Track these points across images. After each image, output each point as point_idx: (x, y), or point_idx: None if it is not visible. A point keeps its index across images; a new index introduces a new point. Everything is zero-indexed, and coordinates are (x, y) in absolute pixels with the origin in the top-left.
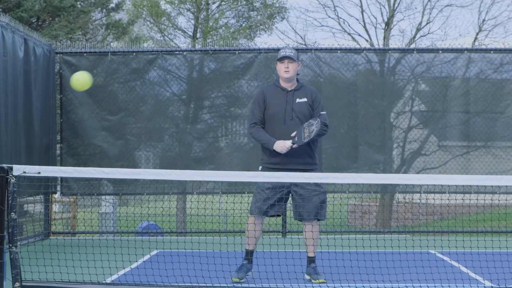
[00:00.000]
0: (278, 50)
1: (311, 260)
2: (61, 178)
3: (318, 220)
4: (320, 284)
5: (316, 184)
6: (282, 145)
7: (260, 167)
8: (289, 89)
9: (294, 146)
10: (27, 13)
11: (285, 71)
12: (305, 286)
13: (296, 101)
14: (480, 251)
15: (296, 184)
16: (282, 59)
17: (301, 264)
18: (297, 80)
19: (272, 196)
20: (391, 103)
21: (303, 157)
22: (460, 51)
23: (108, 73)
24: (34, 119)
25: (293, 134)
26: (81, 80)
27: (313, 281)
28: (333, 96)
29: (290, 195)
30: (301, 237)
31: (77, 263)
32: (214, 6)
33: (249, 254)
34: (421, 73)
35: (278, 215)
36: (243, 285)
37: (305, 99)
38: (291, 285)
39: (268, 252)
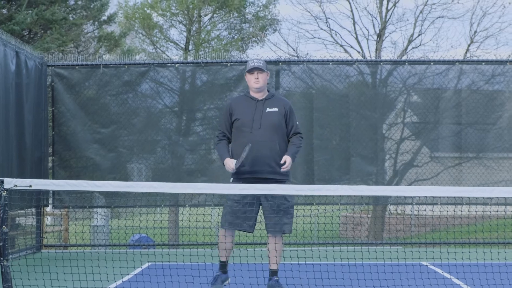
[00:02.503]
0: (270, 62)
1: (273, 272)
2: (53, 191)
3: (283, 233)
4: None
5: (284, 197)
6: (228, 165)
7: (232, 179)
8: (260, 99)
9: (235, 165)
10: (19, 26)
11: (255, 81)
12: None
13: (267, 110)
14: (472, 262)
15: (265, 196)
16: (251, 70)
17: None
18: (268, 90)
19: (242, 209)
20: (383, 114)
21: (272, 166)
22: (451, 62)
23: (100, 86)
24: (26, 132)
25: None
26: None
27: None
28: (325, 108)
29: (260, 206)
30: (294, 249)
31: (69, 276)
32: (206, 18)
33: (223, 266)
34: (413, 85)
35: (249, 232)
36: None
37: (276, 109)
38: None
39: (260, 265)
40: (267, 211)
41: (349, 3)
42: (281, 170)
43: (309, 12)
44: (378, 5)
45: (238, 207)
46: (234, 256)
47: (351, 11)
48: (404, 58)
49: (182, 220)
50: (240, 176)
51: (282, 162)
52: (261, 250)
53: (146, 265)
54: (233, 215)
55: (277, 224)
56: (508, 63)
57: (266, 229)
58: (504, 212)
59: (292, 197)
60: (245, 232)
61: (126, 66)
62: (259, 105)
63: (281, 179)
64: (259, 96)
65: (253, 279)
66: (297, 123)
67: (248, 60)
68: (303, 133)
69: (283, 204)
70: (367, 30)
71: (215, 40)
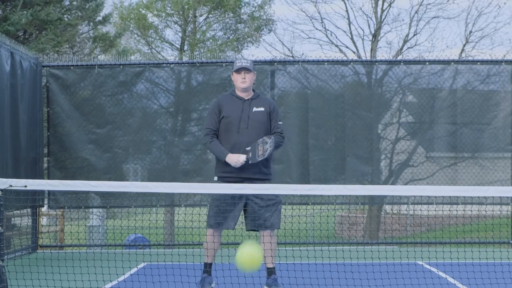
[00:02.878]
0: (265, 62)
1: (271, 271)
2: (49, 191)
3: (275, 228)
4: None
5: (264, 196)
6: (236, 160)
7: (216, 178)
8: (246, 98)
9: (249, 163)
10: (14, 26)
11: (242, 81)
12: None
13: (253, 110)
14: (467, 262)
15: (250, 196)
16: (238, 70)
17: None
18: (253, 90)
19: (229, 208)
20: (378, 114)
21: (258, 166)
22: (447, 62)
23: (95, 86)
24: (21, 133)
25: (247, 149)
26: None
27: None
28: (321, 108)
29: (244, 206)
30: (289, 249)
31: (64, 277)
32: (201, 19)
33: (208, 267)
34: (408, 85)
35: (232, 229)
36: None
37: (262, 108)
38: None
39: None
40: (256, 209)
41: (344, 3)
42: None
43: (304, 12)
44: (373, 5)
45: (225, 206)
46: (230, 256)
47: (346, 11)
48: (399, 58)
49: (177, 220)
50: (225, 175)
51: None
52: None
53: (142, 265)
54: (221, 214)
55: (267, 219)
56: (503, 63)
57: (253, 228)
58: (500, 211)
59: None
60: (228, 231)
61: (121, 67)
62: (245, 104)
63: (265, 178)
64: (245, 95)
65: (248, 279)
66: (280, 123)
67: (235, 59)
68: (298, 132)
69: (272, 200)
70: (363, 30)
71: (210, 40)
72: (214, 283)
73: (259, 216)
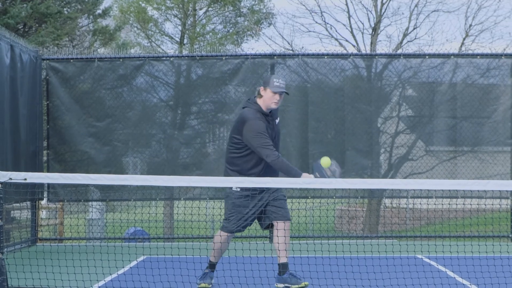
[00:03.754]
0: (265, 56)
1: (285, 266)
2: (48, 184)
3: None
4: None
5: (280, 190)
6: (308, 176)
7: (238, 188)
8: (268, 113)
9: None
10: (14, 19)
11: (275, 104)
12: None
13: (276, 123)
14: (467, 255)
15: (271, 192)
16: (278, 92)
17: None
18: None
19: (253, 214)
20: (378, 108)
21: (277, 173)
22: (447, 56)
23: (95, 79)
24: (21, 126)
25: (317, 175)
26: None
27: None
28: (320, 102)
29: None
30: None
31: (64, 270)
32: (201, 12)
33: (212, 266)
34: (408, 78)
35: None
36: None
37: (278, 120)
38: None
39: (255, 257)
40: (280, 201)
41: None
42: None
43: (304, 5)
44: None
45: (248, 214)
46: (251, 249)
47: (346, 4)
48: (399, 51)
49: (177, 214)
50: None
51: None
52: (256, 243)
53: (141, 258)
54: (242, 221)
55: (284, 212)
56: (503, 57)
57: (277, 218)
58: (499, 205)
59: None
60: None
61: (121, 60)
62: (269, 119)
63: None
64: (267, 110)
65: (270, 272)
66: None
67: (272, 77)
68: (297, 126)
69: (284, 196)
70: (362, 23)
71: (210, 33)
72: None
73: (279, 208)
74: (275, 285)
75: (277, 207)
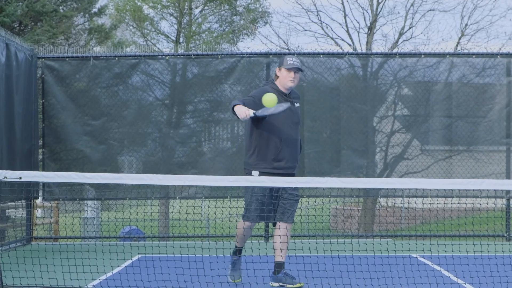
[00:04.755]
0: (261, 54)
1: (280, 265)
2: (43, 183)
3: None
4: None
5: (296, 189)
6: (242, 111)
7: (257, 172)
8: (288, 94)
9: (253, 115)
10: (9, 18)
11: (291, 81)
12: None
13: (295, 106)
14: (462, 254)
15: (284, 189)
16: (291, 69)
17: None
18: None
19: (269, 202)
20: (374, 107)
21: (298, 160)
22: (442, 55)
23: (90, 78)
24: (16, 124)
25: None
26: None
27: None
28: (316, 101)
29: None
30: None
31: (59, 268)
32: (197, 11)
33: (238, 251)
34: (403, 78)
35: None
36: None
37: (298, 105)
38: None
39: (250, 257)
40: (288, 202)
41: None
42: None
43: (300, 4)
44: None
45: (267, 200)
46: (246, 248)
47: (342, 3)
48: (395, 51)
49: (172, 212)
50: (273, 171)
51: None
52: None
53: (136, 257)
54: (262, 208)
55: (292, 214)
56: (498, 56)
57: (279, 218)
58: (494, 204)
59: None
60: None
61: (116, 58)
62: (289, 101)
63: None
64: (286, 91)
65: (265, 271)
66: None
67: (286, 56)
68: None
69: (297, 196)
70: (358, 23)
71: (206, 32)
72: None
73: (287, 209)
74: (270, 284)
75: (285, 208)
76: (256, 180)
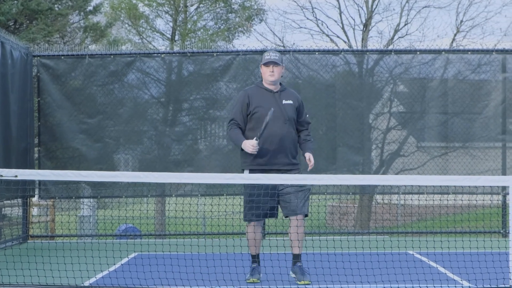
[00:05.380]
0: (256, 52)
1: (297, 257)
2: (39, 181)
3: (306, 214)
4: (306, 286)
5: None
6: (248, 145)
7: (247, 171)
8: (275, 91)
9: (257, 141)
10: (4, 16)
11: (270, 75)
12: (284, 287)
13: (283, 102)
14: (458, 251)
15: (281, 185)
16: (267, 63)
17: (281, 265)
18: (280, 83)
19: (263, 198)
20: (369, 104)
21: (288, 157)
22: (438, 52)
23: (86, 76)
24: (12, 123)
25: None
26: None
27: (298, 282)
28: (312, 98)
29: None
30: (280, 239)
31: (55, 267)
32: (192, 9)
33: (255, 257)
34: (399, 74)
35: (275, 217)
36: (221, 286)
37: (291, 101)
38: (269, 287)
39: (247, 254)
40: (288, 195)
41: None
42: (309, 169)
43: (295, 1)
44: None
45: (259, 197)
46: (242, 246)
47: (337, 0)
48: (390, 47)
49: (168, 210)
50: (256, 167)
51: (308, 159)
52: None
53: (133, 255)
54: (257, 206)
55: (298, 205)
56: (494, 53)
57: (286, 214)
58: (490, 201)
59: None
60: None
61: (112, 56)
62: (276, 96)
63: (294, 169)
64: (274, 88)
65: (276, 269)
66: (307, 116)
67: (264, 53)
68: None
69: (303, 186)
70: (353, 20)
71: (201, 30)
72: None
73: (292, 201)
74: (290, 274)
75: (287, 202)
76: (251, 177)
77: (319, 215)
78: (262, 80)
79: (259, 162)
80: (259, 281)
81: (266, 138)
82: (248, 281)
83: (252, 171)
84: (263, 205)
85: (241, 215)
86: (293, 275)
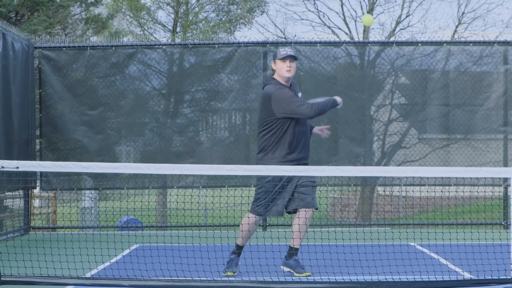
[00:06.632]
0: (258, 44)
1: (292, 251)
2: (41, 173)
3: (316, 207)
4: (307, 277)
5: (312, 176)
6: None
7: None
8: (289, 86)
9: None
10: (6, 8)
11: (288, 70)
12: (286, 279)
13: (299, 96)
14: (459, 243)
15: (300, 177)
16: (284, 58)
17: (282, 257)
18: None
19: (283, 197)
20: (371, 96)
21: (310, 150)
22: (439, 43)
23: (87, 68)
24: (13, 114)
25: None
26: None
27: (298, 275)
28: (313, 90)
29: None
30: (281, 230)
31: (57, 258)
32: (193, 0)
33: (239, 248)
34: (401, 66)
35: (281, 216)
36: (223, 279)
37: (300, 93)
38: (270, 278)
39: (248, 246)
40: (305, 188)
41: None
42: (327, 133)
43: None
44: None
45: (275, 193)
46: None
47: None
48: (392, 39)
49: (170, 202)
50: (288, 163)
51: (320, 129)
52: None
53: (134, 246)
54: (270, 201)
55: (314, 199)
56: (495, 44)
57: (301, 206)
58: (492, 192)
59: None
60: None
61: (113, 48)
62: (292, 91)
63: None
64: (287, 84)
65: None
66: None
67: (279, 47)
68: None
69: (312, 182)
70: (355, 11)
71: (203, 22)
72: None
73: (308, 195)
74: (281, 267)
75: (303, 194)
76: (253, 169)
77: (321, 206)
78: (272, 76)
79: (290, 159)
80: (235, 274)
81: (298, 136)
82: (225, 274)
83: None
84: (276, 202)
85: (243, 207)
86: (287, 269)
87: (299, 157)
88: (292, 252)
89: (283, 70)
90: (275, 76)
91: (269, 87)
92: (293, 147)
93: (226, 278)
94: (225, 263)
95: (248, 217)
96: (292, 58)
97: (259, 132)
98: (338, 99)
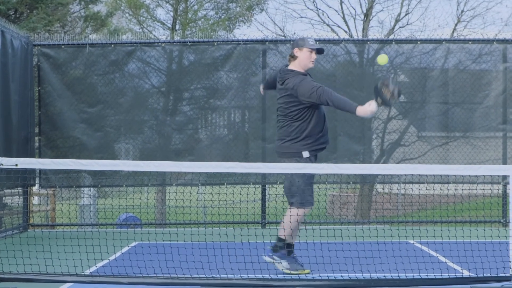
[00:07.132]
0: (257, 41)
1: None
2: (40, 170)
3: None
4: (306, 275)
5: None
6: (369, 109)
7: (306, 152)
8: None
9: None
10: (5, 5)
11: (313, 62)
12: (284, 276)
13: None
14: (458, 240)
15: None
16: (314, 49)
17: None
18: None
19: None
20: (370, 94)
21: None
22: (438, 41)
23: (86, 65)
24: (12, 112)
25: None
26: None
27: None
28: None
29: None
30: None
31: (56, 256)
32: None
33: (291, 246)
34: (400, 64)
35: None
36: (222, 275)
37: None
38: (269, 276)
39: (247, 243)
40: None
41: None
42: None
43: None
44: None
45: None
46: (242, 235)
47: None
48: (391, 37)
49: (169, 199)
50: (321, 146)
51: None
52: (248, 228)
53: (133, 244)
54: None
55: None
56: (495, 42)
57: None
58: (491, 190)
59: None
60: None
61: (112, 46)
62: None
63: None
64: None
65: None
66: None
67: (305, 38)
68: None
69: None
70: (354, 9)
71: (202, 19)
72: None
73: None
74: (263, 256)
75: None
76: (251, 166)
77: (320, 204)
78: (290, 69)
79: (322, 141)
80: (305, 271)
81: (324, 128)
82: (301, 273)
83: (312, 151)
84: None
85: (242, 204)
86: (270, 260)
87: (327, 139)
88: (280, 242)
89: (308, 60)
90: (293, 65)
91: (293, 78)
92: (323, 130)
93: (225, 276)
94: (288, 265)
95: (297, 214)
96: (321, 52)
97: (286, 121)
98: (361, 111)
